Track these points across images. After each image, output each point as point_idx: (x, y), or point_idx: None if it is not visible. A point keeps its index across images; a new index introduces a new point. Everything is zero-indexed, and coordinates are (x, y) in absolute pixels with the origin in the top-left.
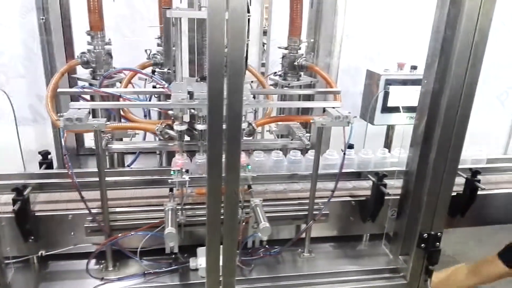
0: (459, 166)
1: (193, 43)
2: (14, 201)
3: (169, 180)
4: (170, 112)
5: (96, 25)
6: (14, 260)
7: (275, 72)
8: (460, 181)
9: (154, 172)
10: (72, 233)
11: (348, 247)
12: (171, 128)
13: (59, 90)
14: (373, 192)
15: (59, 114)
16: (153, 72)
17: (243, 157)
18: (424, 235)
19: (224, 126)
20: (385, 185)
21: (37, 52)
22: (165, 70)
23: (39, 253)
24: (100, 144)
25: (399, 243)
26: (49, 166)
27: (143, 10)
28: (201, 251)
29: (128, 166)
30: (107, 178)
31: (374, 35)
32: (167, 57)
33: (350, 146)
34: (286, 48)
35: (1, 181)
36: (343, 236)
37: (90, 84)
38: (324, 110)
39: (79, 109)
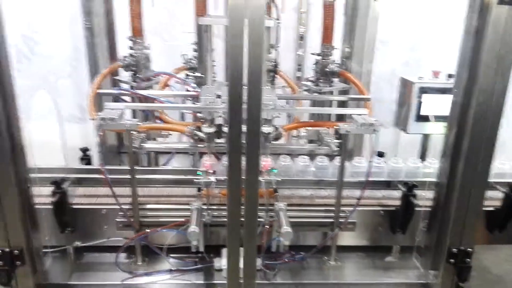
0: (497, 180)
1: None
2: (53, 193)
3: (195, 180)
4: (199, 114)
5: (137, 31)
6: (51, 250)
7: (308, 78)
8: (499, 195)
9: (183, 172)
10: (106, 227)
11: (376, 258)
12: (201, 130)
13: (99, 91)
14: (403, 202)
15: (96, 113)
16: (187, 76)
17: (269, 161)
18: (453, 250)
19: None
20: (414, 196)
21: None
22: (197, 74)
23: (75, 244)
24: (131, 143)
25: (429, 257)
26: (89, 162)
27: (181, 16)
28: (226, 251)
29: (163, 165)
30: (139, 176)
31: (410, 41)
32: (201, 61)
33: (380, 154)
34: (319, 55)
35: (43, 174)
36: (372, 246)
37: (131, 86)
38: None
39: (114, 109)
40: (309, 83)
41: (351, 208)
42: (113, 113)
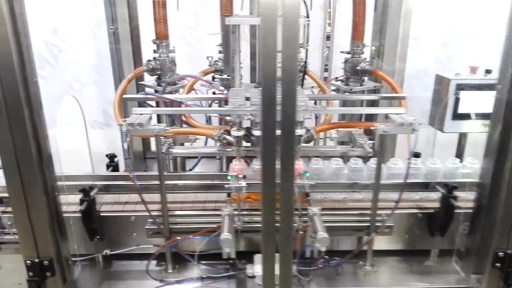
0: None
1: (254, 49)
2: (81, 201)
3: (226, 185)
4: (228, 117)
5: (161, 34)
6: (80, 258)
7: (337, 78)
8: None
9: (212, 177)
10: (135, 234)
11: (414, 262)
12: (229, 133)
13: (124, 96)
14: (442, 204)
15: (122, 120)
16: (213, 78)
17: (301, 164)
18: (500, 253)
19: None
20: (455, 198)
21: (109, 60)
22: (224, 76)
23: (104, 252)
24: (160, 148)
25: (471, 261)
26: (115, 168)
27: (204, 18)
28: (258, 258)
29: (190, 170)
30: (167, 182)
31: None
32: (227, 63)
33: (417, 155)
34: (348, 53)
35: (70, 182)
36: (408, 250)
37: (155, 91)
38: (386, 116)
39: (141, 114)
40: (338, 83)
41: (388, 211)
42: (141, 118)
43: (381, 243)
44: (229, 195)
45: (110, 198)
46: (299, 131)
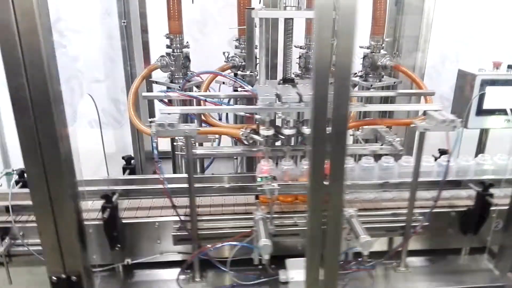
0: None
1: (267, 44)
2: (103, 209)
3: (258, 188)
4: (257, 116)
5: (175, 28)
6: (100, 269)
7: (355, 73)
8: None
9: (237, 179)
10: (158, 241)
11: (445, 262)
12: (256, 132)
13: (144, 94)
14: (478, 202)
15: (150, 120)
16: (235, 75)
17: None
18: None
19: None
20: (491, 195)
21: (112, 56)
22: (247, 72)
23: (125, 262)
24: (190, 149)
25: (507, 259)
26: (133, 171)
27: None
28: (291, 263)
29: (203, 171)
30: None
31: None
32: (250, 59)
33: (444, 152)
34: (368, 48)
35: (90, 187)
36: (439, 249)
37: (168, 88)
38: (424, 113)
39: (169, 114)
40: (357, 79)
41: (421, 211)
42: (171, 118)
43: (412, 243)
44: (257, 197)
45: (131, 203)
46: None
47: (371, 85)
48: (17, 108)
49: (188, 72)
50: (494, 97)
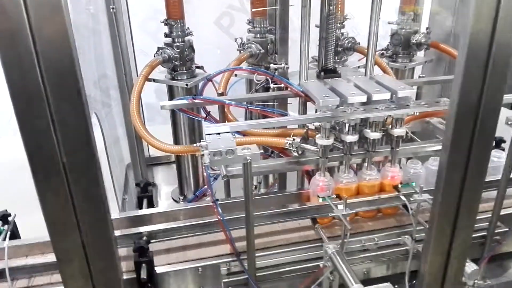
0: None
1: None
2: (138, 265)
3: (331, 214)
4: (316, 124)
5: (176, 12)
6: None
7: (383, 53)
8: None
9: (285, 199)
10: None
11: None
12: (306, 141)
13: (162, 103)
14: None
15: (198, 144)
16: (266, 68)
17: (396, 171)
18: None
19: None
20: None
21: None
22: (282, 65)
23: None
24: (250, 176)
25: None
26: (151, 201)
27: None
28: None
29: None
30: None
31: None
32: (283, 48)
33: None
34: (398, 24)
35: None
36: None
37: (169, 87)
38: None
39: (218, 134)
40: (384, 59)
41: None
42: (225, 141)
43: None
44: (315, 221)
45: (160, 245)
46: (401, 131)
47: (405, 67)
48: None
49: (192, 66)
50: None
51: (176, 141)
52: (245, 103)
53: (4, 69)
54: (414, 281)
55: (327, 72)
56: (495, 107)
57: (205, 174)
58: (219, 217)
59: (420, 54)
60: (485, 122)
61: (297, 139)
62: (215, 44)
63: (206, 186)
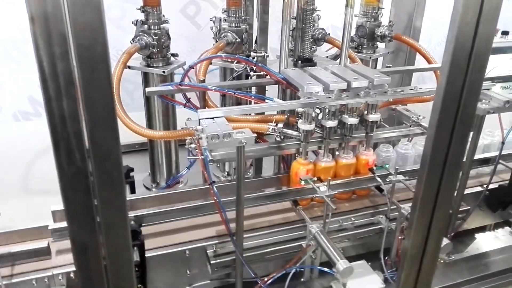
0: None
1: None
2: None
3: (314, 196)
4: (299, 109)
5: (153, 0)
6: None
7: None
8: None
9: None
10: (188, 272)
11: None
12: (288, 126)
13: (149, 89)
14: None
15: (193, 128)
16: (248, 56)
17: (371, 154)
18: None
19: None
20: None
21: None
22: (263, 54)
23: None
24: (243, 160)
25: None
26: (132, 186)
27: None
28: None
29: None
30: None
31: None
32: (263, 37)
33: None
34: (363, 16)
35: None
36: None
37: (145, 74)
38: None
39: (213, 118)
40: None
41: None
42: (221, 125)
43: None
44: (296, 203)
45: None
46: (375, 117)
47: (370, 57)
48: None
49: (168, 54)
50: (495, 65)
51: (150, 127)
52: (232, 90)
53: (36, 52)
54: (387, 257)
55: (304, 61)
56: (475, 94)
57: (194, 158)
58: (215, 198)
59: (381, 45)
60: (467, 107)
61: (280, 125)
62: (181, 33)
63: (179, 174)
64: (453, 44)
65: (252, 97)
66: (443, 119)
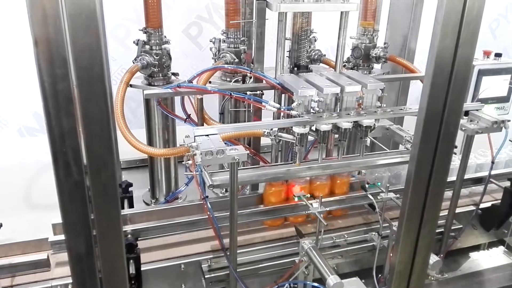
0: None
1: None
2: (128, 260)
3: (306, 211)
4: (294, 112)
5: (155, 21)
6: None
7: (345, 65)
8: None
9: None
10: (183, 286)
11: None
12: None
13: (147, 92)
14: (505, 198)
15: (188, 144)
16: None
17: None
18: None
19: None
20: None
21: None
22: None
23: None
24: (236, 175)
25: None
26: (131, 201)
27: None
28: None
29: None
30: None
31: None
32: (259, 56)
33: None
34: (359, 38)
35: None
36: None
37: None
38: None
39: (208, 135)
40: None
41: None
42: (215, 141)
43: None
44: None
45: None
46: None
47: None
48: None
49: (168, 73)
50: (488, 87)
51: (150, 144)
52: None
53: (38, 72)
54: (380, 275)
55: (300, 68)
56: (457, 113)
57: (191, 173)
58: (208, 213)
59: (377, 66)
60: (448, 127)
61: (275, 128)
62: (183, 52)
63: (177, 190)
64: (432, 67)
65: (247, 99)
66: (426, 138)
